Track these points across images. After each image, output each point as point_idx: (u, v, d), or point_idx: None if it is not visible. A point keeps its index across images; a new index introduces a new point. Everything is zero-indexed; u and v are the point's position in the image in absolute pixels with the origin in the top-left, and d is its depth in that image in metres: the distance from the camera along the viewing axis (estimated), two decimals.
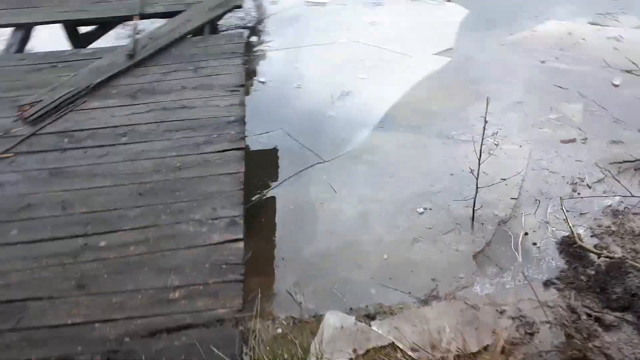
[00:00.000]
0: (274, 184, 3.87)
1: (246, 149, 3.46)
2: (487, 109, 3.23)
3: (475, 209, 3.42)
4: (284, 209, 3.67)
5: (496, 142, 4.00)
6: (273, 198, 3.76)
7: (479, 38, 5.44)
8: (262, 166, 4.06)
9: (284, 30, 6.04)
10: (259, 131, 4.40)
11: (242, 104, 3.76)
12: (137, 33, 4.49)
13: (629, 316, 2.71)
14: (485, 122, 3.22)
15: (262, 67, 5.38)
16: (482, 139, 3.27)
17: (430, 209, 3.55)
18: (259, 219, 3.58)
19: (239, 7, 5.02)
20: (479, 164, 3.29)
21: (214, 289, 2.54)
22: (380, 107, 4.57)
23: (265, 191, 3.82)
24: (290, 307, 2.96)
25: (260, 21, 6.34)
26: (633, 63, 4.72)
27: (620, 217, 3.26)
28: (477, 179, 3.33)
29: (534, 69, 4.89)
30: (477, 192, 3.37)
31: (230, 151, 3.37)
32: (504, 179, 3.66)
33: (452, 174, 3.80)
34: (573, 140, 3.96)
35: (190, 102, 3.77)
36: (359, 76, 5.03)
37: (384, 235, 3.40)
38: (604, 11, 5.61)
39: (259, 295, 2.59)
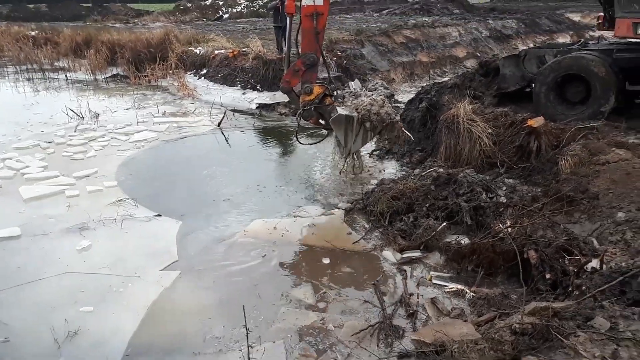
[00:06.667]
0: None
1: None
2: (244, 317, 3.29)
3: None
4: None
5: (251, 345, 4.00)
6: None
7: (199, 246, 5.62)
8: None
9: None
10: None
11: None
12: None
13: None
14: (247, 330, 3.26)
15: None
16: (248, 349, 3.25)
17: None
18: None
19: None
20: None
21: None
22: (120, 340, 4.08)
23: None
24: None
25: None
26: (332, 245, 5.63)
27: None
28: None
29: (261, 268, 5.22)
30: None
31: None
32: None
33: None
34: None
35: None
36: (83, 310, 4.45)
37: None
38: (295, 205, 6.64)
39: None
